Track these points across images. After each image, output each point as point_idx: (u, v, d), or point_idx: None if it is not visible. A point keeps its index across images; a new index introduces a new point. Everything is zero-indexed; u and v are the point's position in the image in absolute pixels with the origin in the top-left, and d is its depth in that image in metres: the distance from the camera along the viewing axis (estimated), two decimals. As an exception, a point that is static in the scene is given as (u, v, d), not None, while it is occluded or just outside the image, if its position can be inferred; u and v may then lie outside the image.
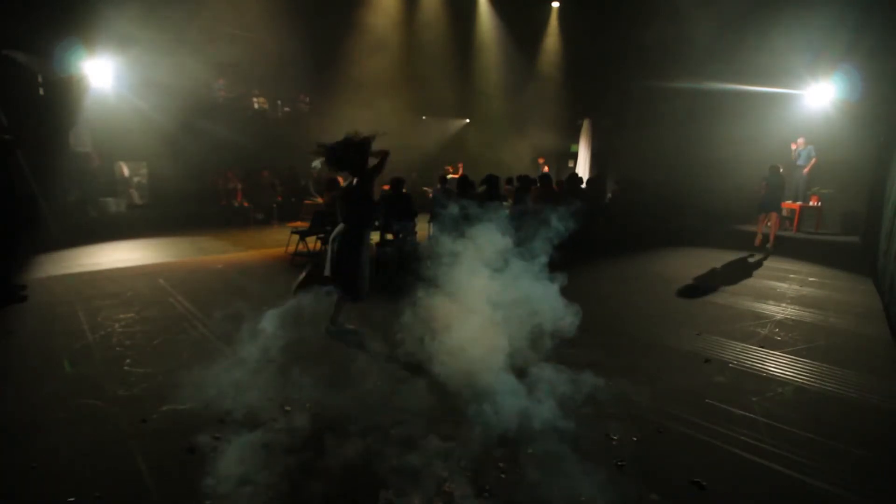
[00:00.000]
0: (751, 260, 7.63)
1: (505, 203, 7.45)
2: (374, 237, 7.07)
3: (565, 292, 3.72)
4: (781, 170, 8.19)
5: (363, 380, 3.31)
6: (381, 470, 2.34)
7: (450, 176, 11.79)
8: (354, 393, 3.12)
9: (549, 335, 3.88)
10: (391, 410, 2.90)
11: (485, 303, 3.69)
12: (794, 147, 10.55)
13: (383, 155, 3.87)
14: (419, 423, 2.74)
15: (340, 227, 3.86)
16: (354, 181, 3.85)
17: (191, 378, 3.22)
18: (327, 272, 3.91)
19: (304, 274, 4.20)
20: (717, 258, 7.66)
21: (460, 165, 12.13)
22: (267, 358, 3.42)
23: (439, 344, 3.49)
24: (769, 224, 8.35)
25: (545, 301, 4.09)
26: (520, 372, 3.33)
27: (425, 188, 8.60)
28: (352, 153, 3.73)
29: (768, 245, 7.96)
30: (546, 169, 14.54)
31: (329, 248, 3.91)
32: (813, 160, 10.30)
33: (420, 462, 2.39)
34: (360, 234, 3.87)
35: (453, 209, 4.11)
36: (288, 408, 2.87)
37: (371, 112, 11.74)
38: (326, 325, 4.04)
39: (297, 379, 3.18)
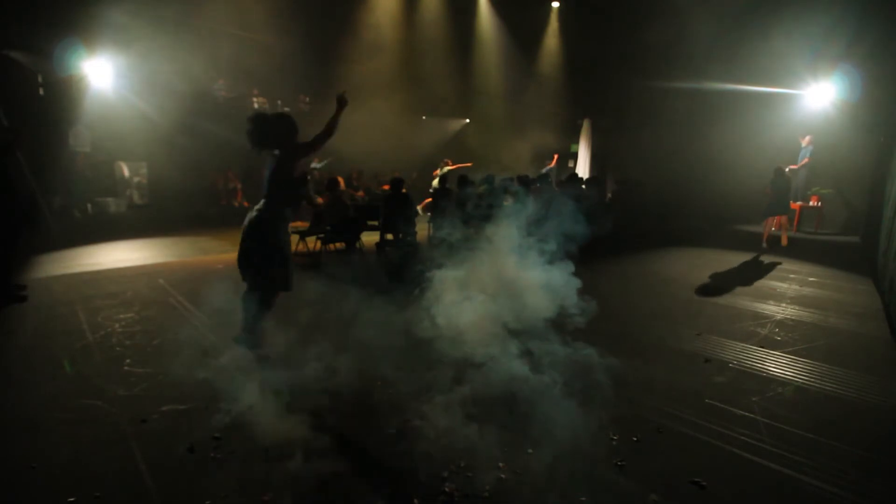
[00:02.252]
0: (751, 260, 7.62)
1: (505, 203, 7.45)
2: (374, 237, 7.09)
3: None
4: (787, 170, 8.24)
5: (369, 375, 3.31)
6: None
7: (447, 168, 11.80)
8: (357, 391, 3.13)
9: (549, 332, 3.91)
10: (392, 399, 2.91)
11: (492, 295, 3.74)
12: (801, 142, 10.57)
13: (322, 133, 3.36)
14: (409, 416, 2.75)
15: (259, 204, 3.34)
16: (277, 153, 3.38)
17: (191, 378, 3.22)
18: (240, 261, 3.34)
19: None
20: (718, 258, 7.66)
21: (448, 161, 12.21)
22: (267, 356, 3.43)
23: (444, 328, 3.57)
24: (777, 226, 8.40)
25: (548, 298, 4.13)
26: (514, 372, 3.33)
27: (426, 200, 8.56)
28: (272, 126, 3.33)
29: (782, 244, 8.06)
30: (551, 164, 14.46)
31: (244, 228, 3.32)
32: (805, 160, 10.33)
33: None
34: (280, 215, 3.34)
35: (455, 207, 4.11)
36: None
37: (371, 112, 11.74)
38: (238, 335, 3.43)
39: (299, 379, 3.18)
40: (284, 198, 3.36)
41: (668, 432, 2.74)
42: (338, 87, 3.69)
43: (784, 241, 8.34)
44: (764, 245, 8.14)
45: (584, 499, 2.17)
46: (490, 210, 5.36)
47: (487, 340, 3.75)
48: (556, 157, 14.91)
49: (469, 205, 5.33)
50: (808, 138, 10.44)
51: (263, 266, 3.30)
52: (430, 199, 7.98)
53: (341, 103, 3.47)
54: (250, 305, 3.38)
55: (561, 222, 4.39)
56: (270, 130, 3.35)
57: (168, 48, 9.52)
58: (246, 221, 3.35)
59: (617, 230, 9.10)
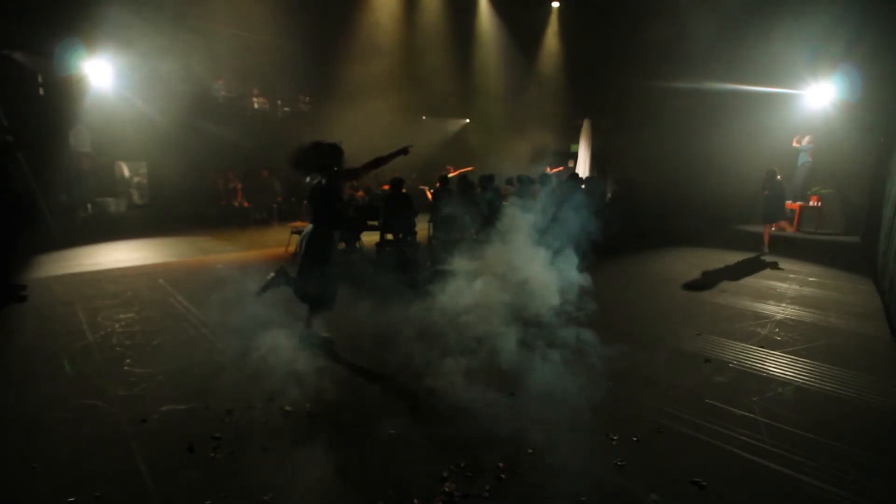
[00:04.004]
0: (750, 260, 7.62)
1: (505, 203, 7.46)
2: (375, 237, 7.09)
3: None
4: (779, 176, 8.11)
5: (370, 379, 3.31)
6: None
7: (450, 175, 11.80)
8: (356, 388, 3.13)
9: (547, 332, 3.91)
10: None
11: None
12: (795, 144, 10.56)
13: (371, 163, 3.71)
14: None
15: (309, 228, 3.64)
16: (323, 180, 3.61)
17: (191, 378, 3.23)
18: (295, 283, 3.68)
19: (271, 276, 3.81)
20: (717, 258, 7.66)
21: (450, 168, 12.20)
22: (268, 357, 3.43)
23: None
24: (777, 228, 8.25)
25: (547, 299, 4.14)
26: (516, 372, 3.34)
27: (423, 187, 8.55)
28: (320, 155, 3.55)
29: (765, 248, 7.93)
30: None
31: (298, 249, 3.69)
32: (807, 163, 10.33)
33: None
34: (330, 237, 3.63)
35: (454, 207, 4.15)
36: (289, 407, 2.87)
37: (371, 112, 11.73)
38: (300, 331, 3.76)
39: (299, 379, 3.18)
40: (333, 221, 3.60)
41: (668, 432, 2.74)
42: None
43: (791, 228, 8.01)
44: (765, 250, 8.06)
45: (584, 499, 2.17)
46: (490, 210, 5.36)
47: (482, 339, 3.76)
48: (548, 168, 14.90)
49: (469, 202, 5.36)
50: (807, 138, 10.43)
51: (306, 280, 3.58)
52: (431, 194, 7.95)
53: (405, 152, 3.78)
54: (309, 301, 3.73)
55: (567, 221, 4.41)
56: (322, 160, 3.57)
57: (168, 48, 9.52)
58: (300, 239, 3.65)
59: (618, 230, 9.13)
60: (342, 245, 7.07)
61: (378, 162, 3.73)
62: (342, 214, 3.70)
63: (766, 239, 8.15)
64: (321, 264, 3.58)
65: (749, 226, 10.57)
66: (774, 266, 7.20)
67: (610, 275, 6.59)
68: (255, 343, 3.64)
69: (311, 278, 3.57)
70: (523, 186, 7.97)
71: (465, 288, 4.41)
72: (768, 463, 2.47)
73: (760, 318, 4.81)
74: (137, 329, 4.12)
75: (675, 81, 12.39)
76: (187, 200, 10.08)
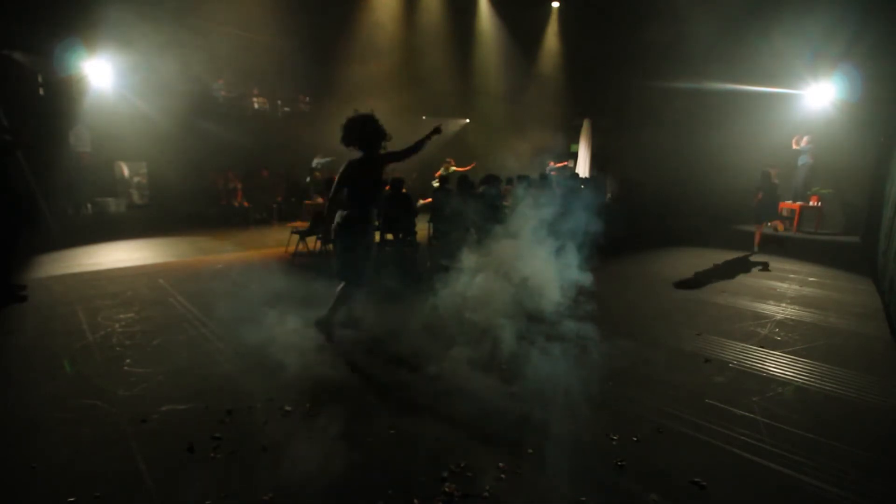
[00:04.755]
0: (751, 260, 7.62)
1: (505, 203, 7.45)
2: (375, 237, 7.09)
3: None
4: (774, 176, 8.20)
5: (365, 385, 3.31)
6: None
7: (452, 169, 11.80)
8: (352, 391, 3.13)
9: (545, 332, 3.91)
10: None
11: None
12: (794, 146, 10.55)
13: (410, 148, 3.78)
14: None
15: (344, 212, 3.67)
16: (367, 156, 3.73)
17: (191, 378, 3.23)
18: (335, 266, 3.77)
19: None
20: (717, 258, 7.66)
21: (451, 161, 12.23)
22: (268, 356, 3.43)
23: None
24: (769, 225, 8.35)
25: (545, 299, 4.14)
26: (516, 372, 3.34)
27: (423, 201, 8.53)
28: (364, 128, 3.73)
29: (755, 248, 8.02)
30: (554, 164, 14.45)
31: (334, 227, 3.69)
32: (807, 162, 10.33)
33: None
34: (365, 215, 3.68)
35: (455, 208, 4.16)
36: (289, 407, 2.87)
37: (371, 112, 11.72)
38: (318, 317, 3.82)
39: (299, 379, 3.18)
40: (368, 198, 3.67)
41: (668, 432, 2.74)
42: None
43: (757, 244, 8.12)
44: (755, 249, 8.14)
45: (584, 499, 2.17)
46: (491, 210, 5.35)
47: (481, 339, 3.76)
48: (551, 162, 14.93)
49: (469, 202, 5.37)
50: (805, 139, 10.43)
51: (341, 259, 3.66)
52: (429, 200, 7.96)
53: (437, 132, 3.83)
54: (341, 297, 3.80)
55: (569, 220, 4.42)
56: (362, 132, 3.73)
57: (168, 48, 9.52)
58: (336, 219, 3.67)
59: (616, 230, 9.13)
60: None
61: (418, 145, 3.78)
62: (377, 193, 3.78)
63: (757, 239, 8.24)
64: (354, 241, 3.65)
65: (749, 226, 10.54)
66: (774, 266, 7.19)
67: (610, 275, 6.59)
68: (255, 343, 3.64)
69: (346, 254, 3.65)
70: (525, 185, 7.97)
71: (465, 288, 4.41)
72: (768, 463, 2.47)
73: (760, 318, 4.81)
74: (137, 329, 4.12)
75: (675, 81, 12.38)
76: (187, 200, 10.09)
